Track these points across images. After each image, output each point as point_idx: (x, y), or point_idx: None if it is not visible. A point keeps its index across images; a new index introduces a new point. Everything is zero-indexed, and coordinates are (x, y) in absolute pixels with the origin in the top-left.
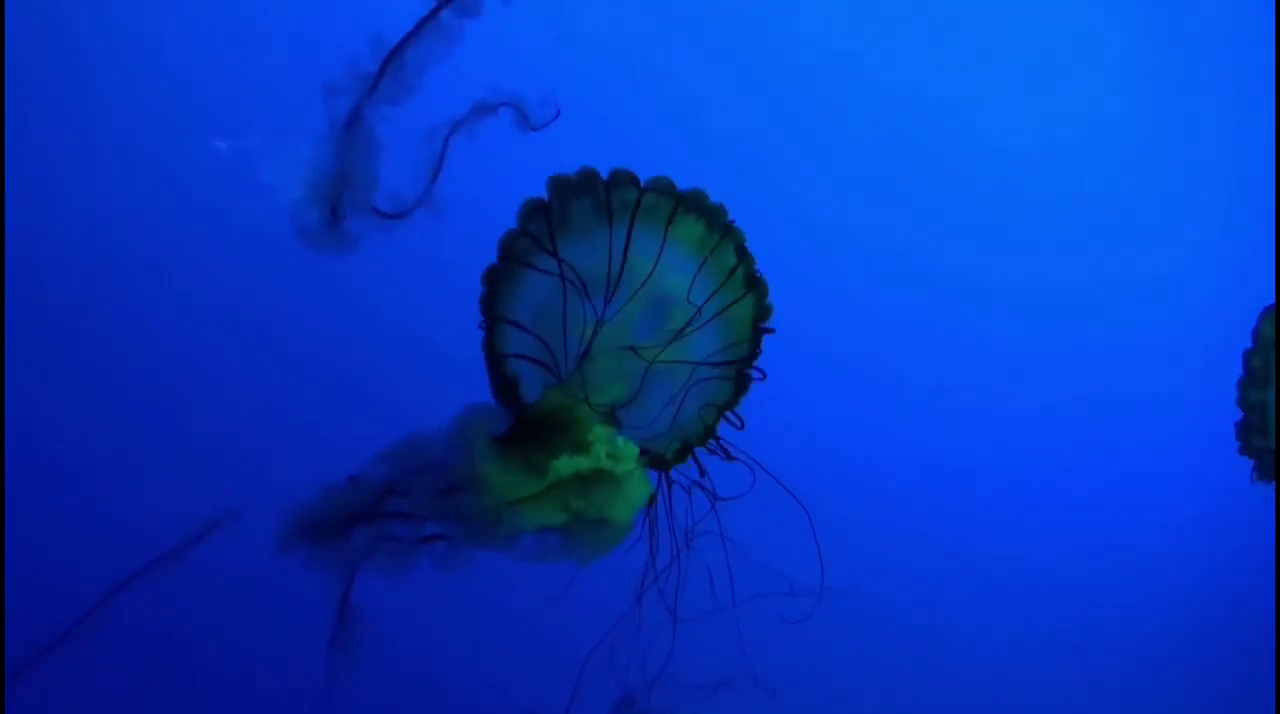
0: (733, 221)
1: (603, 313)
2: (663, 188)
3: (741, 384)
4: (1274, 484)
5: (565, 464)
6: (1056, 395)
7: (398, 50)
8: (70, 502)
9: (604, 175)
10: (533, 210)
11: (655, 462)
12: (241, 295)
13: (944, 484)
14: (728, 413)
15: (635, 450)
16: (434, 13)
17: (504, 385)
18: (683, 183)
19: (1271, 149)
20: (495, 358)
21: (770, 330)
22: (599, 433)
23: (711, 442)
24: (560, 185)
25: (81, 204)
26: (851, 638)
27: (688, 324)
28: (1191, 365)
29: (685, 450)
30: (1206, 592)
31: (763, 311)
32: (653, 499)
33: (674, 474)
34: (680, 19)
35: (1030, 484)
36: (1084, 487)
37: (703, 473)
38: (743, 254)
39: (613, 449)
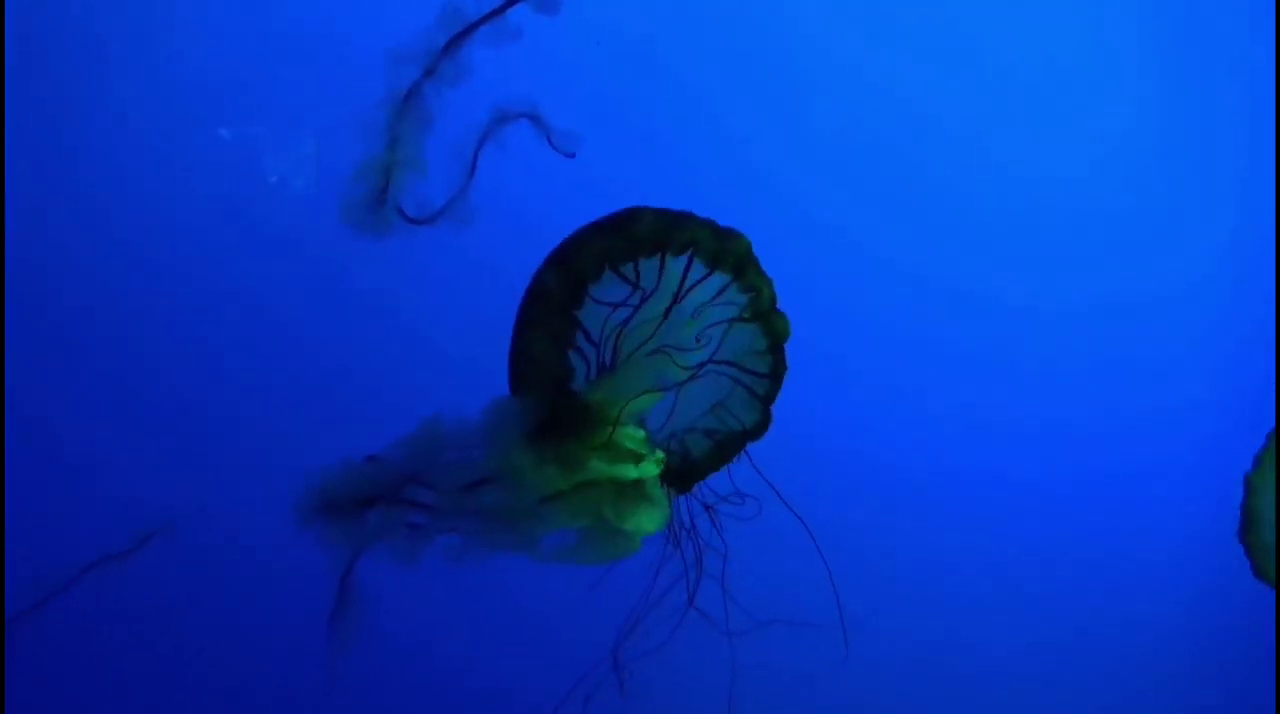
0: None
1: (642, 317)
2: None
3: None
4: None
5: (600, 467)
6: (1069, 410)
7: (451, 45)
8: (76, 491)
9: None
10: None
11: (675, 475)
12: (244, 287)
13: (952, 499)
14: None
15: (660, 459)
16: (502, 9)
17: (555, 376)
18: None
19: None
20: (549, 348)
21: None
22: (631, 437)
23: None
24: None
25: (88, 195)
26: (857, 662)
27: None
28: (1200, 378)
29: (696, 469)
30: (1216, 601)
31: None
32: (669, 523)
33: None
34: (712, 35)
35: (1041, 499)
36: (1094, 500)
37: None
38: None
39: (643, 458)
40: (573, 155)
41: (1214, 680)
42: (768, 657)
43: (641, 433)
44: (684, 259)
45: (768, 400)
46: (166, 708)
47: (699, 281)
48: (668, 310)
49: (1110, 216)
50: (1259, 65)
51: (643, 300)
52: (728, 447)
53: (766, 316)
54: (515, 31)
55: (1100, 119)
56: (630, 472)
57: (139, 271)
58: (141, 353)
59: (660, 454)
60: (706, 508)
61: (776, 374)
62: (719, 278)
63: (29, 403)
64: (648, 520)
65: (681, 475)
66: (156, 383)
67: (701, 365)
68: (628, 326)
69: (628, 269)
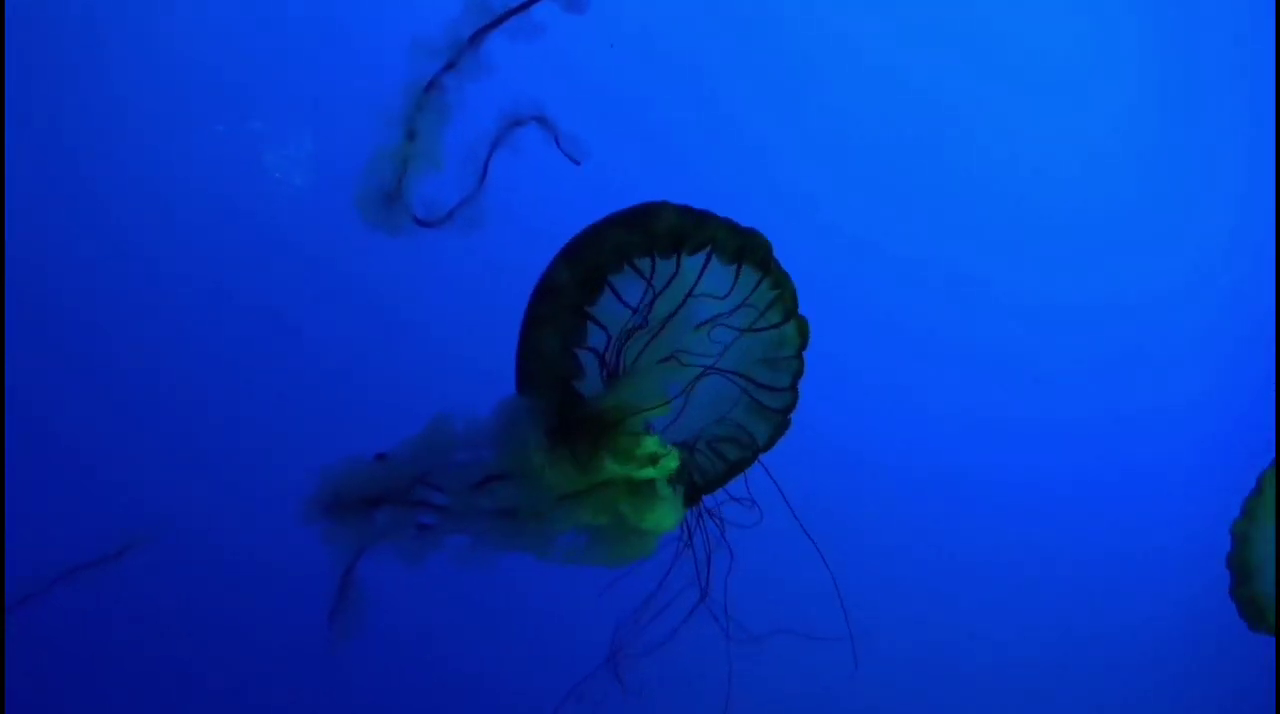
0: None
1: (653, 319)
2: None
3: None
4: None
5: (617, 466)
6: (1073, 409)
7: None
8: (78, 490)
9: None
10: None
11: (687, 487)
12: (254, 286)
13: (954, 500)
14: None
15: (674, 461)
16: (527, 5)
17: (562, 375)
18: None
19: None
20: (557, 346)
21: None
22: (649, 442)
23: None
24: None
25: (88, 192)
26: (854, 662)
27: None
28: (1200, 378)
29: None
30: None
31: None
32: (683, 524)
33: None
34: (723, 41)
35: (1043, 500)
36: (1097, 499)
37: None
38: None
39: (660, 460)
40: (579, 163)
41: (1215, 679)
42: (767, 659)
43: (655, 437)
44: (700, 258)
45: (786, 410)
46: (167, 706)
47: (727, 292)
48: (678, 308)
49: (1111, 216)
50: (1259, 66)
51: (653, 299)
52: (739, 465)
53: (793, 315)
54: (535, 30)
55: (1101, 120)
56: (647, 471)
57: (141, 270)
58: (144, 352)
59: (674, 451)
60: (709, 512)
61: (794, 382)
62: (748, 275)
63: (29, 403)
64: (664, 518)
65: (693, 487)
66: (160, 382)
67: (710, 369)
68: (639, 329)
69: (643, 264)
